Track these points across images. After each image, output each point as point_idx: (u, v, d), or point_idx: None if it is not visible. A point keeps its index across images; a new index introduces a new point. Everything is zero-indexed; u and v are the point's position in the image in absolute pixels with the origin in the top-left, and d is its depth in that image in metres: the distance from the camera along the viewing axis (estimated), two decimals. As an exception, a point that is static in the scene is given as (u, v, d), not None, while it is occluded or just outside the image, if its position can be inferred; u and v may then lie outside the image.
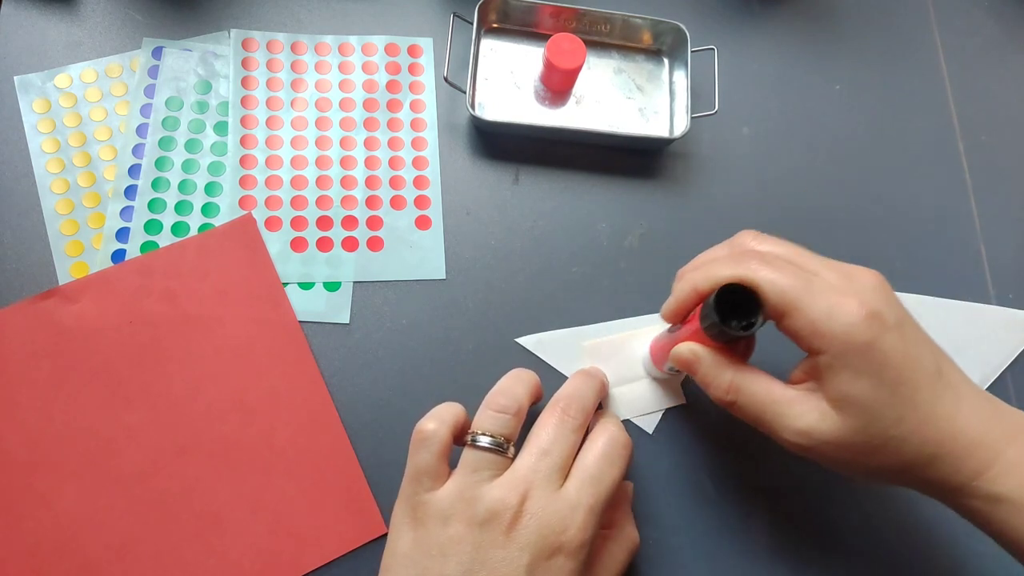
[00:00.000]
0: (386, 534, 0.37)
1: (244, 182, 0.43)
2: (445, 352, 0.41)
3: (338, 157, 0.44)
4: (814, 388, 0.30)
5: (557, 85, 0.46)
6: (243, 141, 0.44)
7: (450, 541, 0.29)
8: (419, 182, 0.44)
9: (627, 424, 0.40)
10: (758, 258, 0.31)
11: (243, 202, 0.43)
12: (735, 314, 0.30)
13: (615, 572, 0.33)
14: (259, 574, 0.36)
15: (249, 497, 0.37)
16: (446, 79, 0.43)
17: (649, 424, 0.41)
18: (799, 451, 0.30)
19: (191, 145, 0.43)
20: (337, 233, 0.43)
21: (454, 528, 0.29)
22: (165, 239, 0.41)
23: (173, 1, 0.46)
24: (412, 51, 0.47)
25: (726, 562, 0.39)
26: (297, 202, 0.43)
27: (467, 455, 0.31)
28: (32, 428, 0.37)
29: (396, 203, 0.44)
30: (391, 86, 0.46)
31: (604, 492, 0.31)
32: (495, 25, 0.48)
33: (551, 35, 0.44)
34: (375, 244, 0.43)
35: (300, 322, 0.40)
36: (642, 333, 0.42)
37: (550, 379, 0.40)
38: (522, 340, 0.42)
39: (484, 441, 0.31)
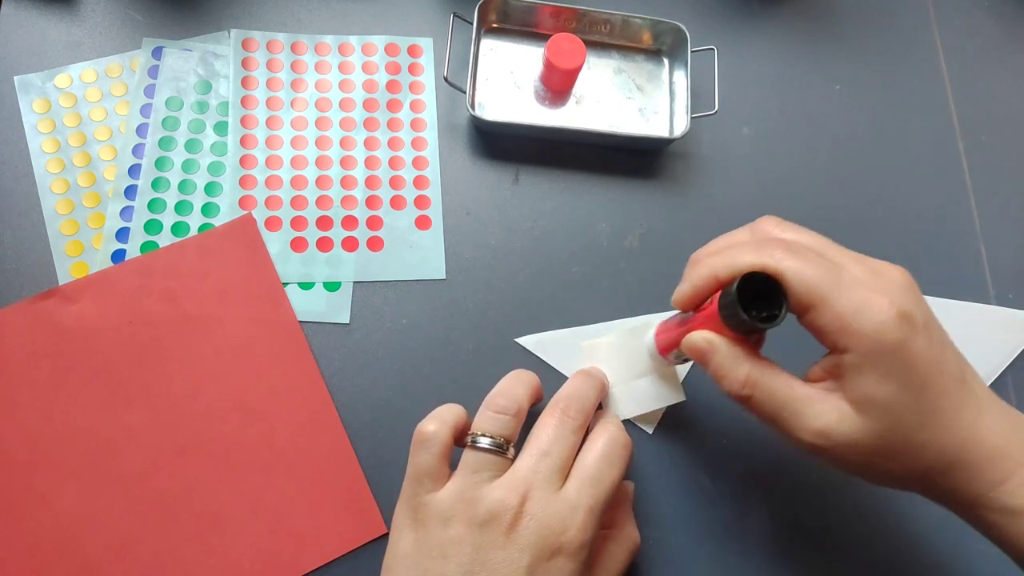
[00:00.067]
0: (386, 534, 0.37)
1: (244, 182, 0.43)
2: (445, 352, 0.41)
3: (338, 157, 0.44)
4: (834, 387, 0.29)
5: (557, 85, 0.46)
6: (243, 141, 0.44)
7: (451, 542, 0.29)
8: (419, 182, 0.44)
9: (627, 424, 0.40)
10: (783, 246, 0.29)
11: (243, 202, 0.43)
12: (755, 305, 0.28)
13: (616, 572, 0.33)
14: (259, 574, 0.36)
15: (249, 497, 0.37)
16: (446, 79, 0.43)
17: (649, 424, 0.41)
18: (814, 452, 0.29)
19: (191, 145, 0.43)
20: (337, 233, 0.43)
21: (454, 529, 0.29)
22: (165, 239, 0.41)
23: (173, 1, 0.46)
24: (412, 51, 0.47)
25: (726, 562, 0.39)
26: (297, 202, 0.43)
27: (467, 456, 0.31)
28: (32, 428, 0.37)
29: (396, 203, 0.44)
30: (391, 86, 0.46)
31: (604, 492, 0.31)
32: (495, 25, 0.48)
33: (551, 35, 0.44)
34: (375, 244, 0.43)
35: (300, 322, 0.40)
36: (642, 332, 0.42)
37: (550, 379, 0.40)
38: (522, 340, 0.42)
39: (484, 442, 0.31)
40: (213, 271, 0.41)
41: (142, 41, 0.45)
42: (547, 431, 0.32)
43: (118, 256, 0.41)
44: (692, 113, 0.45)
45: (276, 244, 0.42)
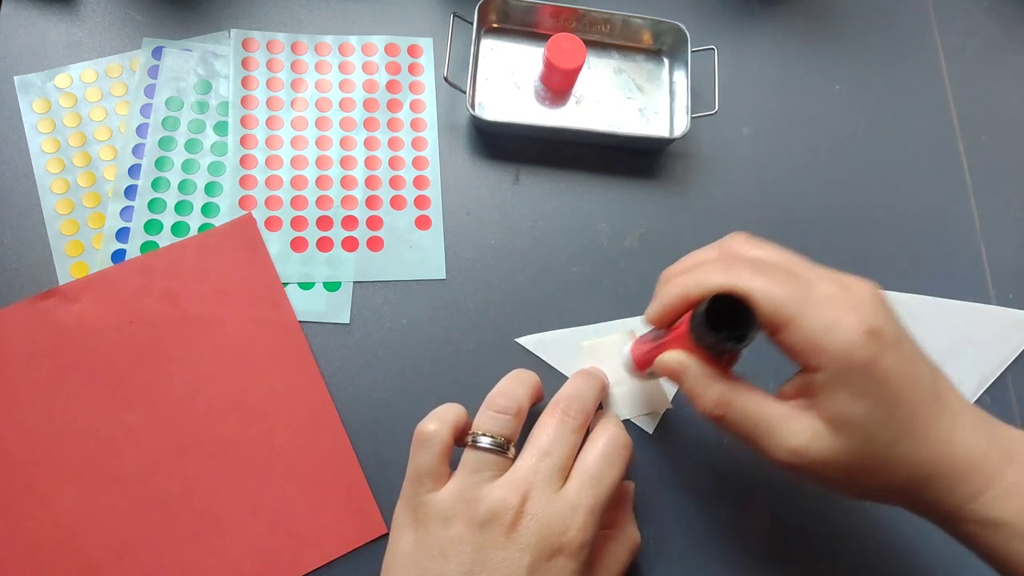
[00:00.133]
0: (386, 534, 0.37)
1: (244, 182, 0.43)
2: (445, 352, 0.41)
3: (338, 157, 0.44)
4: (807, 405, 0.28)
5: (557, 85, 0.46)
6: (243, 141, 0.44)
7: (451, 542, 0.29)
8: (419, 182, 0.44)
9: (627, 424, 0.40)
10: (750, 266, 0.29)
11: (243, 202, 0.43)
12: (726, 323, 0.28)
13: (616, 572, 0.33)
14: (259, 574, 0.36)
15: (249, 497, 0.37)
16: (446, 79, 0.43)
17: (649, 424, 0.41)
18: (789, 469, 0.29)
19: (191, 145, 0.43)
20: (337, 233, 0.43)
21: (455, 529, 0.29)
22: (165, 239, 0.41)
23: (173, 1, 0.46)
24: (412, 51, 0.47)
25: (726, 562, 0.39)
26: (297, 202, 0.43)
27: (468, 456, 0.31)
28: (32, 428, 0.37)
29: (396, 203, 0.44)
30: (391, 86, 0.46)
31: (604, 492, 0.31)
32: (495, 25, 0.48)
33: (551, 35, 0.44)
34: (375, 244, 0.43)
35: (300, 322, 0.40)
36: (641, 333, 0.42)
37: (550, 379, 0.40)
38: (522, 340, 0.42)
39: (485, 442, 0.31)
40: (213, 271, 0.41)
41: (142, 41, 0.45)
42: (547, 431, 0.32)
43: (118, 256, 0.41)
44: (692, 113, 0.45)
45: (276, 244, 0.42)
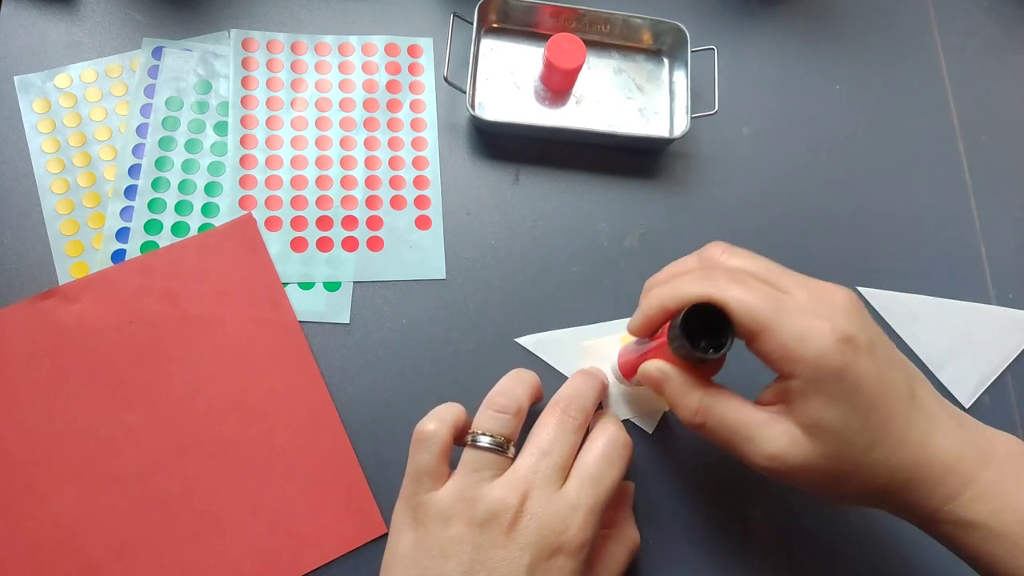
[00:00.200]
0: (386, 534, 0.37)
1: (244, 182, 0.43)
2: (445, 352, 0.41)
3: (338, 157, 0.44)
4: (784, 411, 0.29)
5: (557, 85, 0.46)
6: (243, 141, 0.44)
7: (450, 541, 0.29)
8: (419, 182, 0.44)
9: (627, 424, 0.40)
10: (727, 275, 0.30)
11: (243, 202, 0.43)
12: (705, 332, 0.29)
13: (616, 572, 0.33)
14: (259, 574, 0.36)
15: (249, 497, 0.37)
16: (446, 79, 0.43)
17: (649, 424, 0.41)
18: (769, 474, 0.30)
19: (191, 145, 0.43)
20: (337, 233, 0.43)
21: (454, 528, 0.29)
22: (165, 239, 0.41)
23: (173, 1, 0.46)
24: (412, 51, 0.47)
25: (726, 562, 0.39)
26: (297, 202, 0.43)
27: (467, 455, 0.31)
28: (32, 428, 0.37)
29: (396, 203, 0.44)
30: (391, 86, 0.46)
31: (604, 492, 0.31)
32: (495, 25, 0.48)
33: (551, 35, 0.44)
34: (375, 244, 0.43)
35: (300, 322, 0.40)
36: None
37: (550, 379, 0.40)
38: (522, 340, 0.42)
39: (484, 441, 0.31)
40: (213, 271, 0.41)
41: (142, 41, 0.45)
42: (547, 430, 0.32)
43: (118, 256, 0.41)
44: (692, 113, 0.45)
45: (276, 244, 0.42)
